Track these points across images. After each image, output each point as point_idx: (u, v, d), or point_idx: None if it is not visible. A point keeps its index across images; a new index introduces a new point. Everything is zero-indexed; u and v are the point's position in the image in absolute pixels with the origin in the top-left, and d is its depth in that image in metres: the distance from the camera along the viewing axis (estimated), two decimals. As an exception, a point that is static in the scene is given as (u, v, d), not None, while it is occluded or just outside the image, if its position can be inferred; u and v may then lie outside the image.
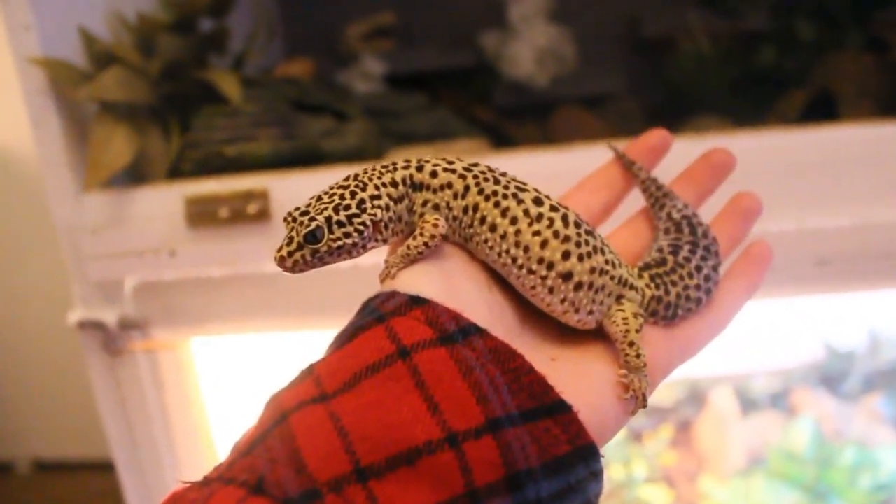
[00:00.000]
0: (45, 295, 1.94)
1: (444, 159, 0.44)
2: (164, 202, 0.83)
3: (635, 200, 0.55)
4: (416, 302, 0.38)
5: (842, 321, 1.16)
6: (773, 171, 0.76)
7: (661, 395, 1.22)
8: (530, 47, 1.20)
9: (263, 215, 0.81)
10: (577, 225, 0.43)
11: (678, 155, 0.56)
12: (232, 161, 0.85)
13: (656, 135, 0.54)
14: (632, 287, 0.46)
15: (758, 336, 1.13)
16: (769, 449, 1.14)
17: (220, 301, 0.85)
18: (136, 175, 0.89)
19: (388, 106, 1.07)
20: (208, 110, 0.88)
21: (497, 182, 0.43)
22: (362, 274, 0.79)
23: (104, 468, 1.70)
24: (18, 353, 2.05)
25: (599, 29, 1.28)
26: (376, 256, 0.47)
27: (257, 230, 0.82)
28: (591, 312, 0.44)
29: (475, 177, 0.43)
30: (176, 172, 0.87)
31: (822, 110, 1.04)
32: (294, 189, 0.82)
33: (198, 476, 0.34)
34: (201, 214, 0.82)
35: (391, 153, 0.94)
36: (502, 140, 1.11)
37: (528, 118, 1.19)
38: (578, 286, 0.43)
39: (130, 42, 0.90)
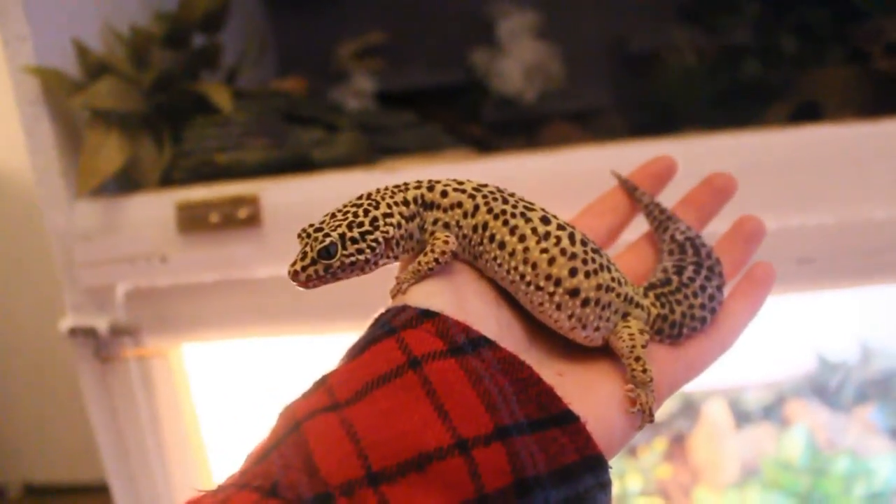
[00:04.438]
0: (36, 320, 1.93)
1: (454, 180, 0.45)
2: (155, 208, 0.84)
3: (640, 226, 0.56)
4: (427, 315, 0.39)
5: (833, 331, 1.16)
6: (756, 170, 0.77)
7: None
8: (518, 63, 1.21)
9: (254, 220, 0.82)
10: (584, 243, 0.44)
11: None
12: (223, 169, 0.86)
13: (661, 162, 0.55)
14: (637, 305, 0.46)
15: (750, 348, 1.13)
16: (763, 460, 1.14)
17: (211, 307, 0.85)
18: (128, 184, 0.90)
19: (379, 122, 1.08)
20: (200, 120, 0.89)
21: (506, 202, 0.44)
22: (354, 280, 0.80)
23: (96, 491, 1.69)
24: (9, 377, 2.04)
25: (586, 45, 1.30)
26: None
27: (248, 235, 0.83)
28: (597, 329, 0.44)
29: (484, 196, 0.44)
30: (168, 181, 0.88)
31: (806, 122, 1.06)
32: (284, 194, 0.83)
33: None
34: (192, 220, 0.82)
35: (381, 163, 0.95)
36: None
37: (516, 133, 1.21)
38: (585, 302, 0.43)
39: (124, 54, 0.92)
